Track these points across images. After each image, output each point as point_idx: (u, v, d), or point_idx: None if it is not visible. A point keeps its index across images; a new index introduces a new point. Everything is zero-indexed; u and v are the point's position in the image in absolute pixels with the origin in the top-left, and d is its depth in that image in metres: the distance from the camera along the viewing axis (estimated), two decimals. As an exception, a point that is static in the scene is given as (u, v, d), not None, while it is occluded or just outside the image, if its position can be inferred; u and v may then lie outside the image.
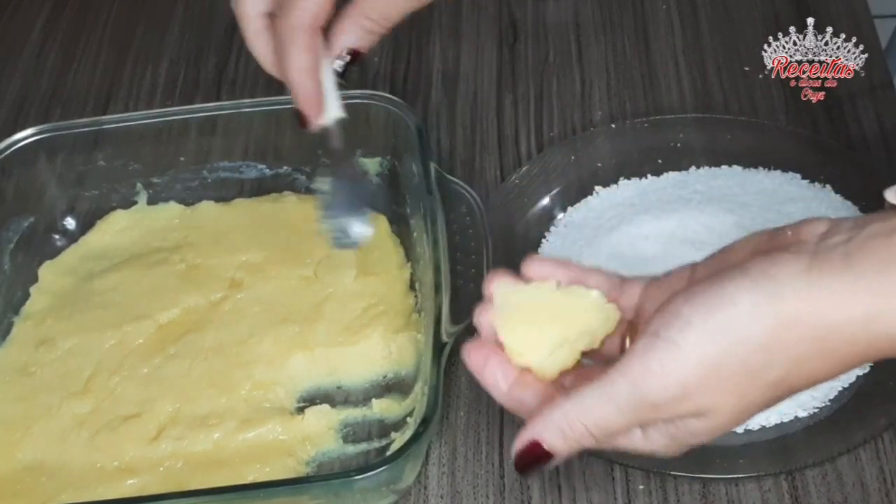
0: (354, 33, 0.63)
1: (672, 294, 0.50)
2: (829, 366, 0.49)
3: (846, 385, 0.70)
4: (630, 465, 0.69)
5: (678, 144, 0.85)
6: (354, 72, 0.96)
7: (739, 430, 0.69)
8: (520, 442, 0.51)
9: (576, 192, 0.83)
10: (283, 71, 0.64)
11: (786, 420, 0.69)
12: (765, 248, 0.51)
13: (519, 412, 0.54)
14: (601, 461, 0.70)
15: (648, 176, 0.84)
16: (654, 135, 0.86)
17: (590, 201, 0.83)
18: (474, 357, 0.54)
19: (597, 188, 0.84)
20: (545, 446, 0.50)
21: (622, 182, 0.84)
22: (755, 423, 0.69)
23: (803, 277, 0.48)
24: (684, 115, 0.88)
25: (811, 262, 0.48)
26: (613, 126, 0.87)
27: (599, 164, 0.85)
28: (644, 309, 0.54)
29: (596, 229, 0.81)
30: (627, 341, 0.55)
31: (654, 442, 0.51)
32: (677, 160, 0.84)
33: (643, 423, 0.50)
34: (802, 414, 0.69)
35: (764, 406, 0.50)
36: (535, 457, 0.51)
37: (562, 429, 0.50)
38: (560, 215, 0.82)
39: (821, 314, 0.47)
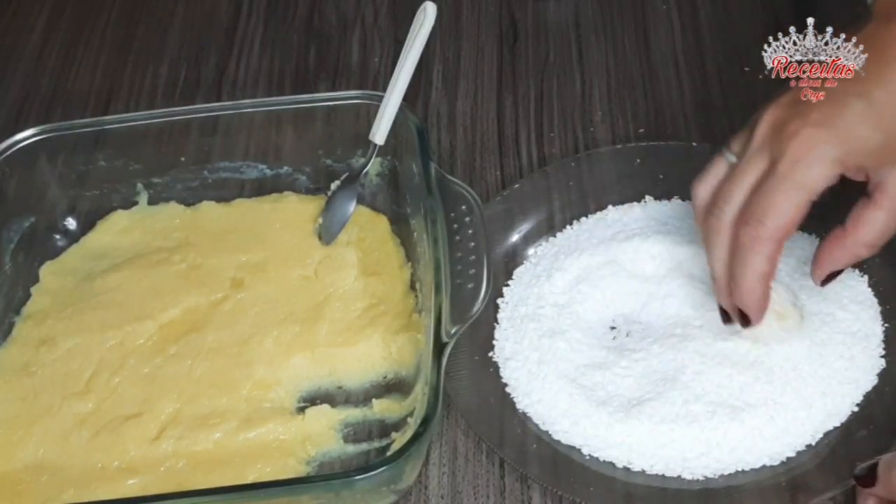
0: (845, 261, 0.67)
1: None
2: None
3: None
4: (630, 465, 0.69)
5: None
6: (356, 73, 0.98)
7: (746, 467, 0.67)
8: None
9: (581, 206, 0.82)
10: (734, 274, 0.66)
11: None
12: None
13: None
14: (601, 461, 0.70)
15: (673, 199, 0.81)
16: (662, 158, 0.83)
17: (608, 214, 0.81)
18: None
19: (610, 206, 0.81)
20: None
21: (648, 200, 0.81)
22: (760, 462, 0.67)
23: None
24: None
25: None
26: (627, 145, 0.85)
27: (614, 183, 0.82)
28: None
29: (607, 239, 0.79)
30: None
31: None
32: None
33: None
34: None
35: None
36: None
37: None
38: (567, 228, 0.81)
39: None
